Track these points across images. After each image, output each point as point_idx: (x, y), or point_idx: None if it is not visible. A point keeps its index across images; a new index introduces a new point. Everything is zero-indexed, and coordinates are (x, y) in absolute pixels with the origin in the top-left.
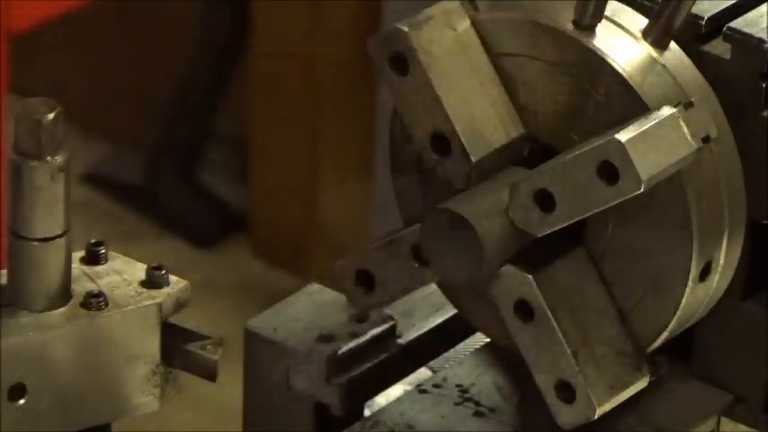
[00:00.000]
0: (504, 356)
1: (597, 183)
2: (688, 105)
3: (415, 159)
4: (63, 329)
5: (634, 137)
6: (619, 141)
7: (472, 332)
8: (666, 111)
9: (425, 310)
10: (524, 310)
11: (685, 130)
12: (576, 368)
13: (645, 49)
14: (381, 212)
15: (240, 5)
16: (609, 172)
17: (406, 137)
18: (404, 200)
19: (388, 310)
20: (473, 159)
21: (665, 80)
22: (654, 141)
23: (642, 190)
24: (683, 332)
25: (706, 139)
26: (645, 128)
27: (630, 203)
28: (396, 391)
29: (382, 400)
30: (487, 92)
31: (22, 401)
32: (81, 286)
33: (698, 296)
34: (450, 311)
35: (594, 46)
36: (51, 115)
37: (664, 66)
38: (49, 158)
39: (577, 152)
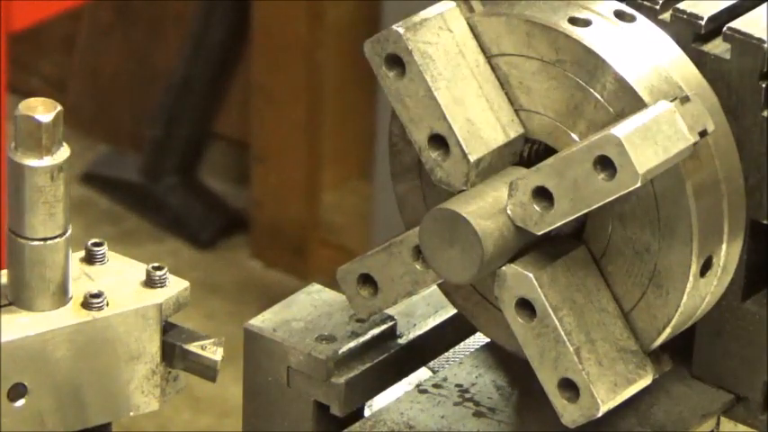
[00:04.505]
0: (503, 356)
1: (595, 178)
2: (684, 100)
3: (415, 164)
4: (63, 329)
5: (630, 132)
6: (615, 136)
7: (472, 332)
8: (663, 105)
9: (425, 310)
10: (526, 308)
11: (682, 124)
12: (579, 366)
13: (641, 46)
14: (381, 212)
15: (240, 5)
16: (606, 167)
17: (405, 141)
18: (405, 205)
19: (388, 310)
20: (471, 159)
21: (662, 76)
22: (650, 136)
23: (639, 184)
24: (683, 332)
25: (703, 134)
26: (641, 122)
27: (631, 201)
28: (396, 391)
29: (382, 400)
30: (485, 92)
31: (22, 401)
32: (81, 286)
33: (699, 292)
34: (451, 311)
35: (590, 43)
36: (51, 115)
37: (660, 61)
38: (48, 158)
39: (574, 148)
